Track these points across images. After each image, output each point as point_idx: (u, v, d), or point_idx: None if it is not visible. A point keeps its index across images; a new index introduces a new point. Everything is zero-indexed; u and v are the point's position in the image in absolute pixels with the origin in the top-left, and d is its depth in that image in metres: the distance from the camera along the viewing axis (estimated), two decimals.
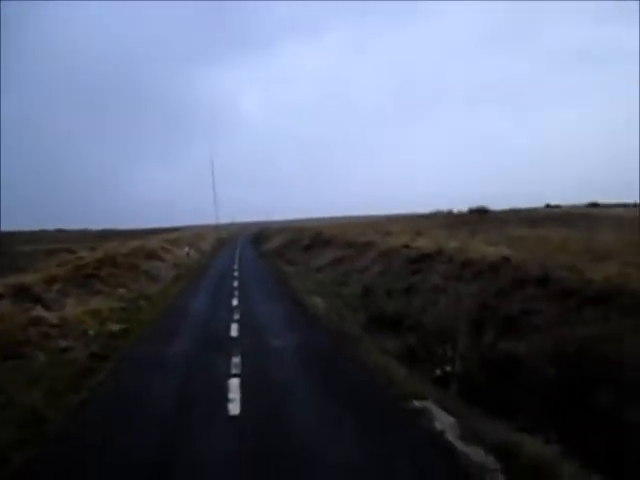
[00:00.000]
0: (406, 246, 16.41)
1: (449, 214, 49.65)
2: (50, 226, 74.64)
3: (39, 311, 9.21)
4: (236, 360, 7.36)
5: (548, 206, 71.52)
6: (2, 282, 10.29)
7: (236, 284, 17.29)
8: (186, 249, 28.23)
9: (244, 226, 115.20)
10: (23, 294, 9.90)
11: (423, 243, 16.30)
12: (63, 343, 7.95)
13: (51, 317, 9.04)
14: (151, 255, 22.04)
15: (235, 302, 13.08)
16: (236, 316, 10.97)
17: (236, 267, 24.09)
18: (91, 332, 8.89)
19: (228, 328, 9.70)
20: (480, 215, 43.10)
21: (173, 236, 37.46)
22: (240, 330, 9.51)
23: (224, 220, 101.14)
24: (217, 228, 77.73)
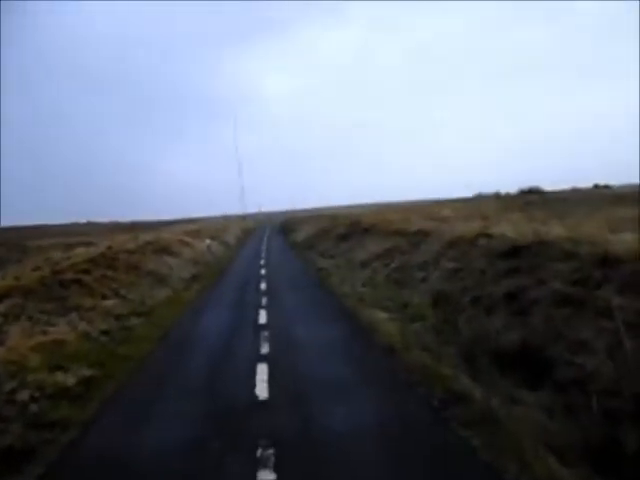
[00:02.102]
0: (484, 234, 12.24)
1: (497, 196, 44.75)
2: (82, 219, 74.01)
3: None
4: None
5: (597, 186, 65.34)
6: None
7: (264, 286, 13.60)
8: (207, 241, 24.74)
9: (271, 215, 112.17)
10: None
11: (504, 230, 12.19)
12: None
13: None
14: (164, 250, 18.57)
15: (263, 318, 9.35)
16: (265, 348, 7.20)
17: (263, 262, 20.45)
18: (24, 393, 5.27)
19: (252, 377, 5.92)
20: (539, 196, 38.17)
21: (195, 227, 34.19)
22: (271, 383, 5.71)
23: (251, 209, 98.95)
24: (243, 218, 74.85)
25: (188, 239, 23.86)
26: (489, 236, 11.90)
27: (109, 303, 9.76)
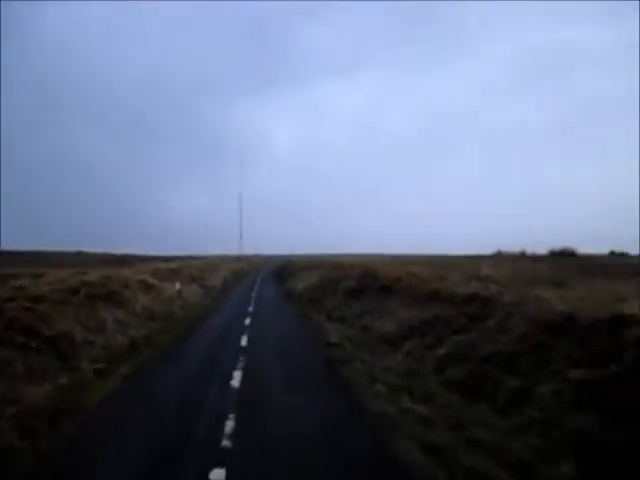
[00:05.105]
0: (623, 318, 6.74)
1: (523, 256, 39.42)
2: (77, 248, 70.32)
3: None
4: None
5: (613, 253, 60.01)
6: None
7: (238, 379, 8.00)
8: (177, 286, 19.05)
9: (268, 258, 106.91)
10: None
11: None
12: None
13: None
14: (107, 296, 12.96)
15: None
16: None
17: (248, 322, 14.77)
18: None
19: None
20: (577, 260, 32.92)
21: (174, 265, 28.61)
22: None
23: (248, 251, 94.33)
24: (238, 259, 69.48)
25: (154, 281, 18.25)
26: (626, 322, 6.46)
27: None
